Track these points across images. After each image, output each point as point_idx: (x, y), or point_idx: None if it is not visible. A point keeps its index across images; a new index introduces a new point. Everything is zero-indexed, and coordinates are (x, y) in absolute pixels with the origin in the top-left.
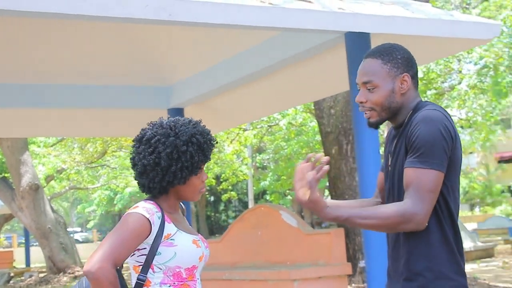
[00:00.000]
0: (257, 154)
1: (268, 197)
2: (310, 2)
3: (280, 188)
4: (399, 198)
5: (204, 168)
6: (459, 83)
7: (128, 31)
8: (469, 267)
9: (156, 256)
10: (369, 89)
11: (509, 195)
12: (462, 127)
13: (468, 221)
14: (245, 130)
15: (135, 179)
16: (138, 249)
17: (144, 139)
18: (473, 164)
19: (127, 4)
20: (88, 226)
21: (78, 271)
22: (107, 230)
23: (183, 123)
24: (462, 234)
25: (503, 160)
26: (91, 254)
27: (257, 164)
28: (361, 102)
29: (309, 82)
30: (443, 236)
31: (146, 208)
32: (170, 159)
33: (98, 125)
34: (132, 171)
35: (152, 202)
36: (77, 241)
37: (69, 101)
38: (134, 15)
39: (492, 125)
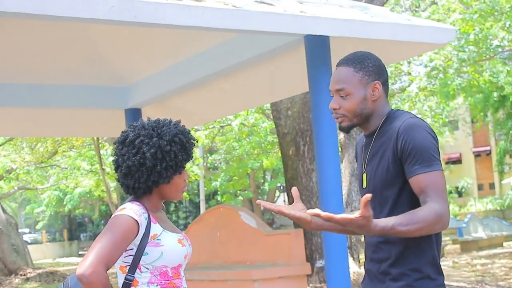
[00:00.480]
0: (209, 154)
1: (219, 198)
2: (271, 4)
3: (231, 188)
4: (382, 200)
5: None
6: (409, 85)
7: (85, 30)
8: None
9: (143, 256)
10: (342, 96)
11: (456, 196)
12: None
13: None
14: (197, 130)
15: (119, 181)
16: (126, 250)
17: (127, 140)
18: None
19: (92, 5)
20: (37, 227)
21: (29, 272)
22: (56, 231)
23: (165, 124)
24: None
25: (450, 161)
26: (83, 258)
27: (209, 165)
28: (334, 109)
29: (269, 83)
30: (430, 238)
31: (133, 210)
32: (155, 159)
33: (50, 125)
34: (82, 171)
35: (138, 203)
36: (26, 242)
37: (21, 101)
38: (100, 16)
39: (440, 126)
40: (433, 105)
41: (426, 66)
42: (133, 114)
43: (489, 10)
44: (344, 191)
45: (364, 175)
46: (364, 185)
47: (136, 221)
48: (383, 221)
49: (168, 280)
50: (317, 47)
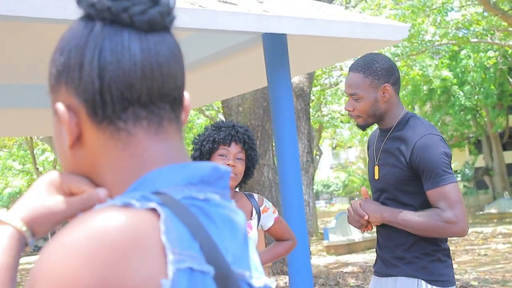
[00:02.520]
0: None
1: None
2: (234, 4)
3: None
4: (393, 197)
5: None
6: (341, 81)
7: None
8: (360, 257)
9: None
10: (355, 100)
11: None
12: (342, 122)
13: None
14: None
15: None
16: None
17: None
18: (352, 158)
19: (65, 6)
20: None
21: None
22: None
23: None
24: (349, 227)
25: None
26: None
27: None
28: (349, 111)
29: (226, 80)
30: None
31: None
32: None
33: None
34: (13, 171)
35: None
36: None
37: None
38: (72, 17)
39: None
40: None
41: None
42: None
43: (420, 6)
44: None
45: (377, 167)
46: (376, 177)
47: None
48: (392, 208)
49: None
50: (274, 45)
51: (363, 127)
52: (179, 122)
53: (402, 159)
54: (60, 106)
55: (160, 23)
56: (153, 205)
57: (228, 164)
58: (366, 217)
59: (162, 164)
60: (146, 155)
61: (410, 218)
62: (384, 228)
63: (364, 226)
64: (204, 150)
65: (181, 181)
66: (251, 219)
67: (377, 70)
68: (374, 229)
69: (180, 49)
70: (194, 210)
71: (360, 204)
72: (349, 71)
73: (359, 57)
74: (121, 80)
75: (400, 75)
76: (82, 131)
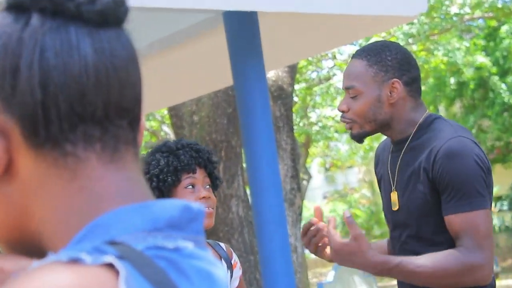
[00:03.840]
0: None
1: None
2: None
3: None
4: (418, 234)
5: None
6: (335, 74)
7: None
8: None
9: None
10: (352, 97)
11: None
12: (337, 131)
13: None
14: None
15: None
16: None
17: None
18: (353, 183)
19: None
20: None
21: None
22: None
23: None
24: (356, 278)
25: None
26: None
27: None
28: (342, 111)
29: (173, 79)
30: None
31: None
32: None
33: None
34: None
35: None
36: None
37: None
38: None
39: None
40: None
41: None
42: None
43: None
44: None
45: (395, 194)
46: (396, 207)
47: None
48: (388, 256)
49: None
50: (241, 28)
51: (359, 138)
52: (136, 146)
53: (424, 176)
54: None
55: (113, 15)
56: (109, 259)
57: (203, 198)
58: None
59: (120, 201)
60: (100, 188)
61: (417, 270)
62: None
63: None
64: (166, 186)
65: (144, 225)
66: None
67: (386, 59)
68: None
69: (135, 49)
70: (162, 264)
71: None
72: (352, 58)
73: (355, 42)
74: (69, 88)
75: (419, 76)
76: (13, 158)
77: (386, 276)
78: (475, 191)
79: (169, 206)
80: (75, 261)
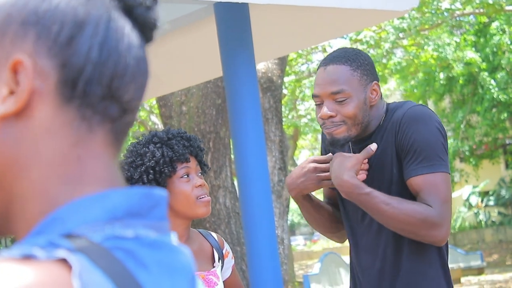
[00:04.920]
0: None
1: None
2: None
3: None
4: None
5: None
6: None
7: None
8: None
9: None
10: (339, 101)
11: None
12: None
13: (346, 253)
14: None
15: None
16: None
17: None
18: None
19: None
20: None
21: None
22: None
23: None
24: (342, 270)
25: None
26: None
27: None
28: (330, 117)
29: (163, 69)
30: (439, 254)
31: None
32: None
33: None
34: None
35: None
36: None
37: None
38: None
39: None
40: None
41: (351, 40)
42: None
43: None
44: None
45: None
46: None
47: None
48: (362, 183)
49: None
50: (232, 19)
51: (343, 141)
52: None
53: (389, 147)
54: (25, 59)
55: (154, 27)
56: (62, 253)
57: (199, 186)
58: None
59: (100, 186)
60: (92, 166)
61: (387, 201)
62: (361, 253)
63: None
64: (163, 177)
65: (102, 215)
66: (214, 266)
67: (364, 63)
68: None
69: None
70: (119, 255)
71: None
72: (327, 65)
73: (345, 35)
74: (116, 63)
75: None
76: (34, 101)
77: (353, 201)
78: (436, 155)
79: (129, 194)
80: (27, 257)
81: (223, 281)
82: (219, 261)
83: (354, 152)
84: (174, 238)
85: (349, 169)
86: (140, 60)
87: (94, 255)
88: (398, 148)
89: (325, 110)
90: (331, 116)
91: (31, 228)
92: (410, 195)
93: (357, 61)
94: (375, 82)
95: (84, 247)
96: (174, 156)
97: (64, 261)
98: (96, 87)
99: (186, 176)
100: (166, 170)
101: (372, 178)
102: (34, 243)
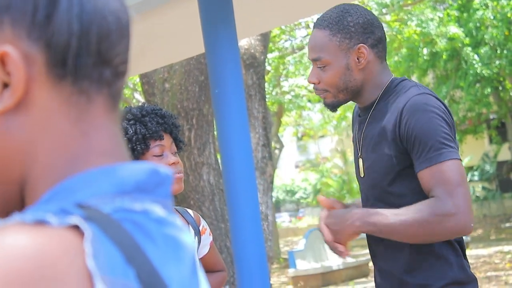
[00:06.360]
0: None
1: None
2: None
3: None
4: (386, 197)
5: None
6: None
7: None
8: None
9: None
10: (320, 67)
11: None
12: (310, 101)
13: None
14: None
15: None
16: None
17: None
18: (326, 152)
19: None
20: None
21: None
22: None
23: None
24: (326, 247)
25: None
26: None
27: None
28: (313, 83)
29: (145, 46)
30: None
31: None
32: None
33: None
34: None
35: None
36: None
37: None
38: None
39: None
40: None
41: None
42: None
43: None
44: None
45: (360, 160)
46: (362, 174)
47: None
48: (366, 212)
49: None
50: None
51: (333, 107)
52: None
53: (389, 137)
54: (8, 48)
55: None
56: (75, 220)
57: (172, 164)
58: (329, 238)
59: (107, 158)
60: (96, 138)
61: (393, 219)
62: (378, 241)
63: (341, 247)
64: (135, 155)
65: (111, 188)
66: None
67: (348, 25)
68: (367, 250)
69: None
70: (128, 226)
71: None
72: (313, 28)
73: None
74: (100, 26)
75: (385, 35)
76: (30, 89)
77: (370, 232)
78: (440, 143)
79: (137, 169)
80: (40, 222)
81: (201, 258)
82: (195, 238)
83: (360, 116)
84: (178, 218)
85: (342, 221)
86: (123, 16)
87: (104, 225)
88: (400, 140)
89: (310, 77)
90: (314, 83)
91: None
92: (412, 185)
93: (338, 24)
94: (361, 45)
95: (94, 216)
96: (147, 133)
97: (75, 228)
98: (86, 57)
99: (160, 155)
100: (138, 148)
101: (374, 156)
102: (46, 209)
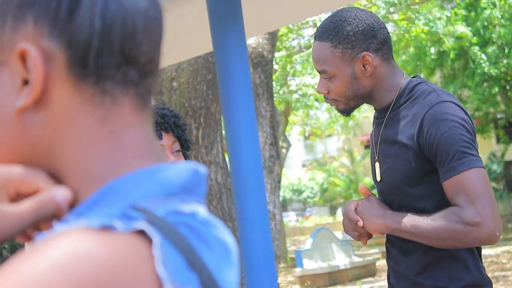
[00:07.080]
0: None
1: None
2: None
3: None
4: (404, 202)
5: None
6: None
7: None
8: None
9: None
10: (326, 79)
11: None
12: (317, 100)
13: (338, 228)
14: None
15: None
16: None
17: None
18: (333, 152)
19: None
20: None
21: None
22: None
23: None
24: (334, 246)
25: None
26: None
27: None
28: (323, 93)
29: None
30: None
31: None
32: None
33: None
34: None
35: None
36: None
37: None
38: None
39: None
40: None
41: None
42: None
43: None
44: None
45: (377, 164)
46: (379, 178)
47: None
48: (397, 214)
49: None
50: None
51: (346, 113)
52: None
53: (409, 144)
54: (27, 45)
55: None
56: (141, 225)
57: None
58: (360, 223)
59: (143, 158)
60: (128, 138)
61: (422, 223)
62: (397, 242)
63: (364, 236)
64: None
65: (160, 190)
66: None
67: (348, 35)
68: (375, 250)
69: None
70: (183, 230)
71: (356, 206)
72: (315, 40)
73: (336, 10)
74: (124, 25)
75: (389, 35)
76: (49, 86)
77: (393, 233)
78: (462, 153)
79: (181, 169)
80: (106, 228)
81: None
82: None
83: (377, 119)
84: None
85: (377, 216)
86: (149, 10)
87: (164, 229)
88: (423, 149)
89: (318, 88)
90: (324, 93)
91: (77, 199)
92: (432, 189)
93: (338, 35)
94: (365, 53)
95: (155, 221)
96: None
97: (140, 232)
98: (108, 57)
99: None
100: None
101: (392, 159)
102: (107, 213)
